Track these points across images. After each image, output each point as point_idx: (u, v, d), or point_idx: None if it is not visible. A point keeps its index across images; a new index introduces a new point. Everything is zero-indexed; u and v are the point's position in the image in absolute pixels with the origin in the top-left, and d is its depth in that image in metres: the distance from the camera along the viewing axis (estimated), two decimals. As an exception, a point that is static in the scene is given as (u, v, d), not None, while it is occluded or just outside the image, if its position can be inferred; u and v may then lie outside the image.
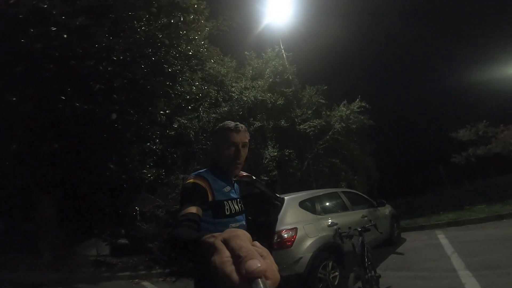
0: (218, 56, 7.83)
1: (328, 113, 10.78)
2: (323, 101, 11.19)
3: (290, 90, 10.98)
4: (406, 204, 12.02)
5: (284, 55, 11.28)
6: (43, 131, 5.57)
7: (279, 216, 3.89)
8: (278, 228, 3.75)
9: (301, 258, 3.64)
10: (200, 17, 6.37)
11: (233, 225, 1.35)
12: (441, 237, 6.17)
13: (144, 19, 5.35)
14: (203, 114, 8.22)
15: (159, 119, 6.47)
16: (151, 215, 9.72)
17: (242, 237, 0.42)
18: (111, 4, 5.03)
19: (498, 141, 7.86)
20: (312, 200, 4.54)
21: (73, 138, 5.99)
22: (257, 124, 10.07)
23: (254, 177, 3.29)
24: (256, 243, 0.43)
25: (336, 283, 3.85)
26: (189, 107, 7.57)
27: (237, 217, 1.39)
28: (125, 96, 5.78)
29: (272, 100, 10.36)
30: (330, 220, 4.25)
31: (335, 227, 4.08)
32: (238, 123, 1.42)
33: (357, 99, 10.31)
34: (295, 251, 3.65)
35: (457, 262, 4.19)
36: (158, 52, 5.99)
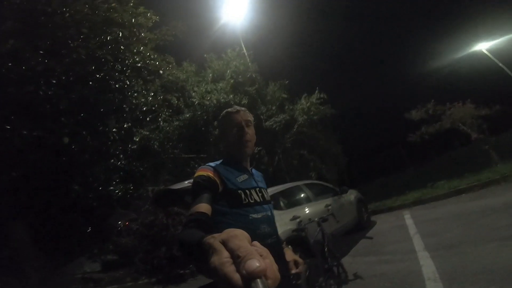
0: (172, 64, 7.74)
1: (291, 107, 11.01)
2: (286, 95, 11.40)
3: (254, 88, 11.08)
4: (375, 186, 12.52)
5: (245, 54, 11.32)
6: (-3, 160, 5.35)
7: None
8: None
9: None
10: (141, 30, 6.29)
11: (253, 215, 1.23)
12: (407, 217, 6.27)
13: (79, 38, 5.22)
14: (163, 123, 8.17)
15: (113, 136, 6.35)
16: (128, 229, 9.67)
17: (240, 237, 0.41)
18: (43, 25, 4.85)
19: (447, 118, 8.42)
20: (274, 196, 4.60)
21: (30, 165, 5.80)
22: (223, 126, 10.08)
23: None
24: (256, 242, 0.43)
25: (307, 273, 4.00)
26: (147, 119, 7.49)
27: (257, 207, 1.26)
28: (73, 118, 5.65)
29: (236, 100, 10.38)
30: (293, 214, 4.35)
31: (297, 220, 4.19)
32: (236, 106, 1.43)
33: (316, 91, 10.61)
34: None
35: (417, 243, 4.25)
36: (104, 68, 5.87)
